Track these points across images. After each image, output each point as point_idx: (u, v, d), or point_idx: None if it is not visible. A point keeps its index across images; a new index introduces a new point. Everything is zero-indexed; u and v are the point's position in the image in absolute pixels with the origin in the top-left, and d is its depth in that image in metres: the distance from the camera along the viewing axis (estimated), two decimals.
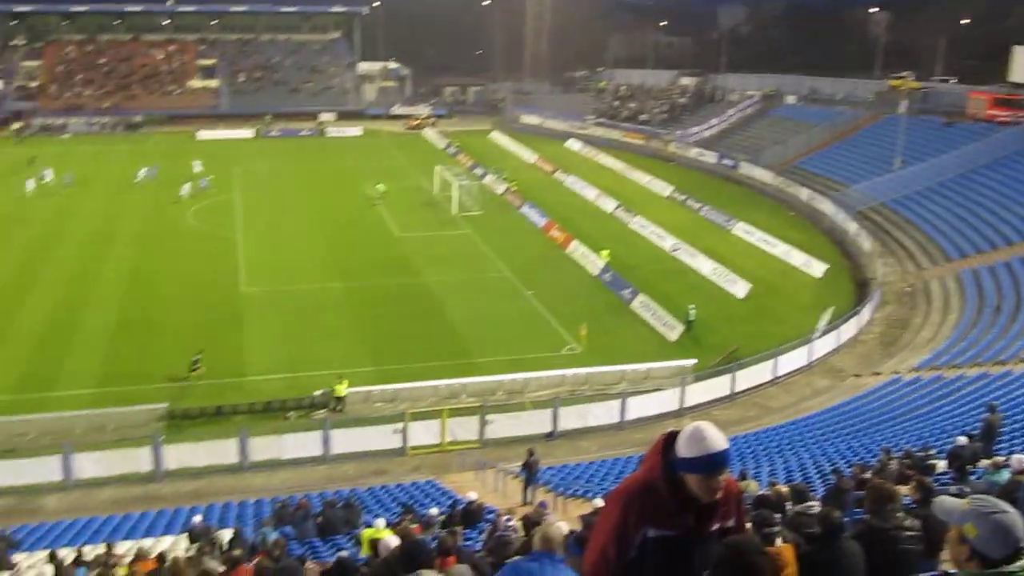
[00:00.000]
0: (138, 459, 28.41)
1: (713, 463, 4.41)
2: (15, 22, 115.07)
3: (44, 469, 27.72)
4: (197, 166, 70.33)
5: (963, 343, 35.47)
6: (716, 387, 33.98)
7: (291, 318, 41.60)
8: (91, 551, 18.13)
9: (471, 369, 35.63)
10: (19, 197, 63.94)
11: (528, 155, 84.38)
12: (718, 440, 4.40)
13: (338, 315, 42.06)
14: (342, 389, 32.20)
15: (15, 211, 60.47)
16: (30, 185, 65.79)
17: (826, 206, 60.51)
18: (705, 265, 49.25)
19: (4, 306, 42.60)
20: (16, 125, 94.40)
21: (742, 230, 57.00)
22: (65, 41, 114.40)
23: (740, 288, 45.61)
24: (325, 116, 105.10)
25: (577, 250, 52.01)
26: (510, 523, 16.04)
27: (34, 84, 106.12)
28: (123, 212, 61.09)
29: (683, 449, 4.45)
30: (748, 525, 5.41)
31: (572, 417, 31.86)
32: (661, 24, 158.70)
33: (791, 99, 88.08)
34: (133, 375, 35.06)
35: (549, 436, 31.39)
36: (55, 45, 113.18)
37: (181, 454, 28.75)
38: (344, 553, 15.49)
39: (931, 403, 28.60)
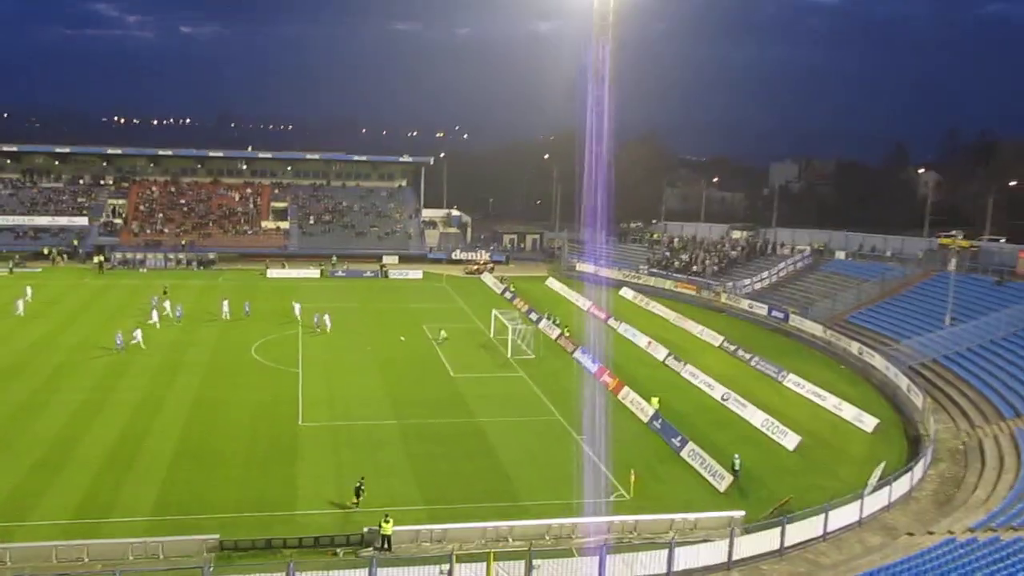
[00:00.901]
0: None
1: None
2: (105, 163, 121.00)
3: None
4: (297, 308, 72.08)
5: (1020, 504, 34.06)
6: (766, 540, 32.85)
7: (345, 453, 41.54)
8: None
9: (520, 512, 35.08)
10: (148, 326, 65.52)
11: (582, 302, 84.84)
12: None
13: (391, 452, 41.90)
14: (389, 528, 31.76)
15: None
16: (154, 316, 68.16)
17: (877, 361, 59.59)
18: (756, 416, 48.43)
19: (74, 432, 43.28)
20: (98, 259, 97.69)
21: (793, 382, 56.18)
22: (150, 181, 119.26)
23: (790, 440, 44.67)
24: (388, 259, 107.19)
25: (628, 396, 51.57)
26: None
27: (118, 221, 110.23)
28: (199, 342, 62.36)
29: None
30: None
31: (619, 565, 30.88)
32: (714, 179, 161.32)
33: (841, 254, 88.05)
34: (188, 504, 35.10)
35: None
36: (140, 185, 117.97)
37: None
38: None
39: (988, 565, 27.35)
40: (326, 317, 68.42)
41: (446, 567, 29.60)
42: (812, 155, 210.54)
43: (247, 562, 30.45)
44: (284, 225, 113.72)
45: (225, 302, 72.21)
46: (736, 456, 39.97)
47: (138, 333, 61.08)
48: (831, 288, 79.54)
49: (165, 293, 77.04)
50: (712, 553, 31.79)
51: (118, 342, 59.42)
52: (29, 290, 75.26)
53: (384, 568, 29.29)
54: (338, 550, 31.65)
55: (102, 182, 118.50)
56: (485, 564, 30.05)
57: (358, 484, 35.83)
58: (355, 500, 35.51)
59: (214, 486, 37.07)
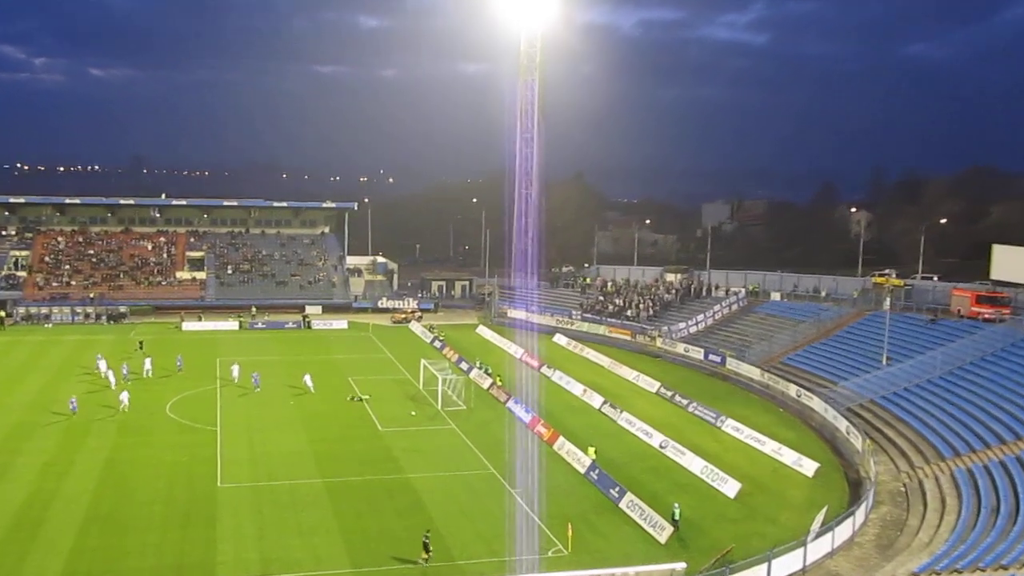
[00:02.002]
0: None
1: None
2: (7, 213, 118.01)
3: None
4: (235, 369, 69.20)
5: (963, 546, 34.64)
6: None
7: (268, 514, 40.52)
8: None
9: (454, 571, 34.63)
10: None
11: (514, 349, 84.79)
12: None
13: (317, 511, 41.00)
14: None
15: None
16: (111, 376, 66.18)
17: (815, 403, 60.48)
18: (695, 463, 48.63)
19: None
20: None
21: (731, 427, 56.64)
22: (56, 231, 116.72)
23: (731, 487, 44.91)
24: (312, 309, 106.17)
25: (564, 447, 51.42)
26: None
27: (21, 273, 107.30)
28: (112, 402, 60.55)
29: None
30: None
31: None
32: (647, 222, 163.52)
33: (776, 295, 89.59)
34: (98, 574, 33.81)
35: None
36: (45, 235, 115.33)
37: None
38: None
39: None
40: (307, 378, 66.76)
41: None
42: (743, 195, 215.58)
43: None
44: (201, 275, 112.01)
45: (148, 360, 70.49)
46: (676, 505, 40.03)
47: (124, 396, 59.40)
48: (767, 330, 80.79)
49: (140, 348, 77.52)
50: None
51: (72, 407, 57.70)
52: None
53: None
54: None
55: (4, 232, 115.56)
56: None
57: (425, 538, 35.58)
58: (425, 555, 35.06)
59: (127, 553, 35.78)
